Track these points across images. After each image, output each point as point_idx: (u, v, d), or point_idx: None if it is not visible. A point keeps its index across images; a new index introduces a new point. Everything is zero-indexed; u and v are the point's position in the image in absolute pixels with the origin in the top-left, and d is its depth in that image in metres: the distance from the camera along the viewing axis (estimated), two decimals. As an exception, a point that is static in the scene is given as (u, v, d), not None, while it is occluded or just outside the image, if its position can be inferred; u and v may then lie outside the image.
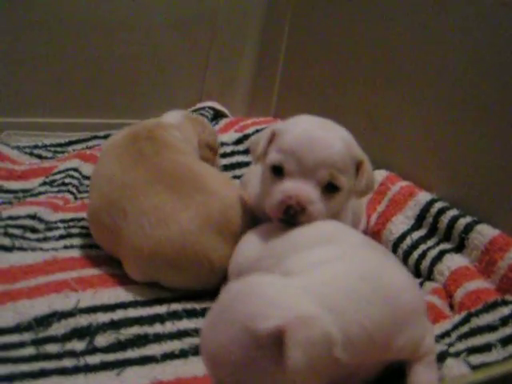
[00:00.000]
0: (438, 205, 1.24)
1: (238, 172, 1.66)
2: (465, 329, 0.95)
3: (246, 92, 2.19)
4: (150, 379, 0.86)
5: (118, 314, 1.00)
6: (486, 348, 0.88)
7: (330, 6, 1.77)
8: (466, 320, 0.97)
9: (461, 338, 0.93)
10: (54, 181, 1.54)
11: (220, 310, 0.70)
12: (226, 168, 1.68)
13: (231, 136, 1.81)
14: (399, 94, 1.46)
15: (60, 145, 1.85)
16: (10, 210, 1.32)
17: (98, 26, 1.89)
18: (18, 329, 0.94)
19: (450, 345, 0.91)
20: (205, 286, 1.09)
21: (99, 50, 1.91)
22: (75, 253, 1.19)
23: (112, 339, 0.93)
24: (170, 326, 0.99)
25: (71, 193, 1.49)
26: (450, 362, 0.84)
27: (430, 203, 1.25)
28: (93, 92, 1.95)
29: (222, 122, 1.98)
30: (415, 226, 1.27)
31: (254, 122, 1.88)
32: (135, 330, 0.97)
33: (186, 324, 1.00)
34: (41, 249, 1.19)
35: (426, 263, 1.19)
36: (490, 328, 0.92)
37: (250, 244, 1.02)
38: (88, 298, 1.03)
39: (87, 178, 1.62)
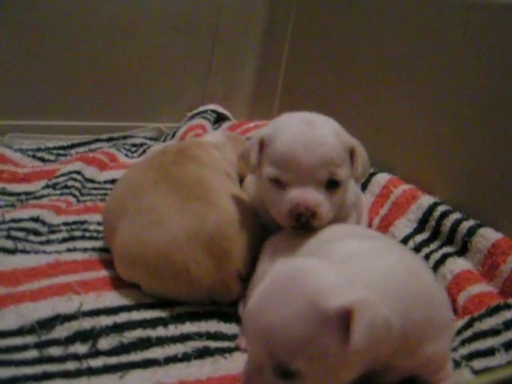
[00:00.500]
0: (441, 208, 1.24)
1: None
2: (468, 333, 0.95)
3: (248, 95, 2.19)
4: (153, 382, 0.85)
5: (121, 317, 1.00)
6: (490, 352, 0.88)
7: (333, 9, 1.77)
8: (469, 324, 0.97)
9: (464, 342, 0.93)
10: (56, 183, 1.54)
11: (278, 287, 0.69)
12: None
13: (234, 139, 1.81)
14: (402, 97, 1.46)
15: (63, 147, 1.86)
16: (13, 212, 1.32)
17: (101, 30, 1.90)
18: (20, 332, 0.93)
19: (454, 350, 0.91)
20: (184, 299, 1.06)
21: (102, 53, 1.92)
22: (78, 256, 1.19)
23: (115, 342, 0.93)
24: (173, 330, 0.98)
25: (74, 196, 1.49)
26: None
27: (433, 206, 1.25)
28: (95, 95, 1.95)
29: (225, 125, 1.98)
30: (418, 230, 1.26)
31: (256, 125, 1.88)
32: (138, 333, 0.96)
33: (188, 327, 0.99)
34: (44, 252, 1.19)
35: (428, 266, 1.19)
36: (493, 332, 0.92)
37: (269, 255, 1.01)
38: (91, 301, 1.03)
39: (90, 180, 1.62)
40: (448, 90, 1.31)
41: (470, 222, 1.17)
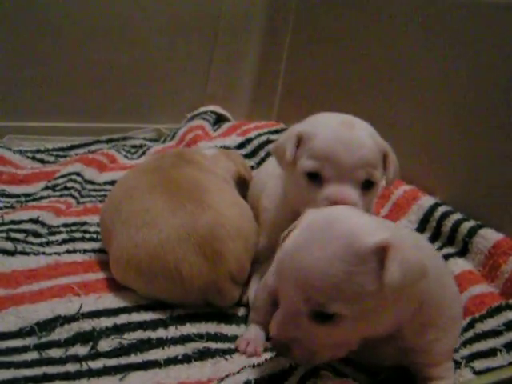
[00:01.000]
0: (442, 209, 1.24)
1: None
2: (469, 334, 0.95)
3: (248, 96, 2.19)
4: (154, 384, 0.85)
5: (122, 319, 0.99)
6: (491, 353, 0.88)
7: (333, 10, 1.77)
8: (470, 325, 0.97)
9: (465, 343, 0.93)
10: (56, 185, 1.54)
11: (313, 231, 0.70)
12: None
13: (234, 140, 1.81)
14: (402, 97, 1.46)
15: (62, 149, 1.85)
16: (13, 214, 1.31)
17: (101, 31, 1.90)
18: (20, 333, 0.93)
19: (455, 351, 0.91)
20: (178, 301, 1.05)
21: (101, 54, 1.92)
22: (78, 257, 1.18)
23: (115, 344, 0.93)
24: (173, 331, 0.98)
25: (73, 197, 1.49)
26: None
27: (434, 207, 1.25)
28: (95, 96, 1.95)
29: (225, 126, 1.98)
30: (419, 230, 1.26)
31: (256, 125, 1.88)
32: (138, 334, 0.96)
33: (189, 329, 0.99)
34: (43, 253, 1.19)
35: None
36: (495, 333, 0.92)
37: None
38: (91, 303, 1.02)
39: (89, 182, 1.62)
40: (448, 90, 1.31)
41: (471, 223, 1.17)
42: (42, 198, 1.47)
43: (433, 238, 1.23)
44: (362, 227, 0.69)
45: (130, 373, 0.87)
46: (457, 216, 1.20)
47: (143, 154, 1.90)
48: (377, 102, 1.55)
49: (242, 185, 1.37)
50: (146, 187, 1.11)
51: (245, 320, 1.05)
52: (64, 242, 1.25)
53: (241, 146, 1.79)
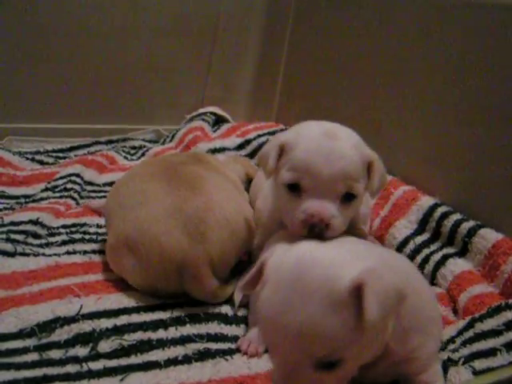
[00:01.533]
0: (441, 209, 1.24)
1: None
2: (469, 334, 0.95)
3: (247, 97, 2.19)
4: (154, 385, 0.85)
5: (122, 320, 0.99)
6: (491, 353, 0.88)
7: (332, 11, 1.77)
8: (470, 325, 0.97)
9: (465, 343, 0.93)
10: (55, 186, 1.54)
11: (287, 285, 0.68)
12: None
13: (233, 141, 1.81)
14: (401, 98, 1.46)
15: (61, 150, 1.86)
16: (12, 215, 1.31)
17: (100, 33, 1.90)
18: (20, 335, 0.93)
19: (455, 350, 0.91)
20: (156, 280, 1.06)
21: (101, 56, 1.92)
22: (78, 258, 1.19)
23: (115, 345, 0.93)
24: (173, 332, 0.98)
25: (73, 198, 1.49)
26: (451, 372, 0.84)
27: (433, 208, 1.25)
28: (94, 98, 1.95)
29: (224, 128, 1.98)
30: (418, 231, 1.26)
31: (255, 127, 1.88)
32: (138, 335, 0.96)
33: (189, 329, 0.99)
34: (43, 254, 1.19)
35: (429, 268, 1.19)
36: (495, 333, 0.92)
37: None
38: (91, 304, 1.02)
39: (89, 183, 1.62)
40: (447, 90, 1.31)
41: (471, 223, 1.17)
42: (41, 199, 1.47)
43: (432, 239, 1.23)
44: (334, 270, 0.68)
45: (131, 374, 0.87)
46: (456, 216, 1.20)
47: (143, 155, 1.90)
48: (376, 102, 1.55)
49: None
50: (147, 174, 1.16)
51: (245, 320, 1.05)
52: (64, 243, 1.25)
53: (240, 146, 1.79)
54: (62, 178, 1.59)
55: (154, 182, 1.12)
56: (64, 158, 1.81)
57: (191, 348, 0.94)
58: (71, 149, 1.87)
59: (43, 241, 1.25)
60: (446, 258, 1.17)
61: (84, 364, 0.88)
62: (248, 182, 1.44)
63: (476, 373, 0.84)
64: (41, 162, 1.75)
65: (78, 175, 1.61)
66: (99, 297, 1.05)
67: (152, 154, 1.88)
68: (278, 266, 0.71)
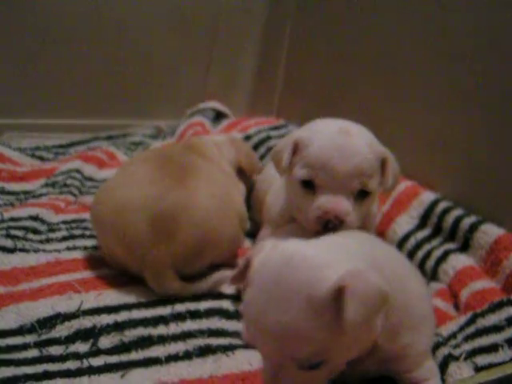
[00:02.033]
0: (443, 204, 1.24)
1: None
2: (471, 329, 0.95)
3: (248, 92, 2.19)
4: (155, 381, 0.85)
5: (122, 316, 0.99)
6: (493, 348, 0.87)
7: (333, 4, 1.77)
8: (471, 321, 0.97)
9: (467, 338, 0.93)
10: (55, 182, 1.54)
11: (269, 286, 0.67)
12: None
13: (233, 136, 1.81)
14: (403, 93, 1.46)
15: (61, 146, 1.85)
16: (12, 211, 1.31)
17: (100, 28, 1.89)
18: (21, 331, 0.93)
19: (457, 346, 0.91)
20: (123, 264, 1.08)
21: (100, 51, 1.91)
22: (78, 254, 1.18)
23: (116, 341, 0.93)
24: (174, 328, 0.98)
25: (73, 194, 1.49)
26: (452, 367, 0.84)
27: (435, 203, 1.25)
28: (94, 93, 1.95)
29: (225, 123, 1.98)
30: (419, 226, 1.26)
31: (256, 122, 1.88)
32: (139, 331, 0.96)
33: (190, 325, 0.99)
34: (43, 250, 1.18)
35: (430, 263, 1.19)
36: (496, 328, 0.92)
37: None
38: (91, 300, 1.02)
39: (89, 179, 1.62)
40: (449, 85, 1.31)
41: (472, 218, 1.16)
42: (41, 195, 1.47)
43: (434, 234, 1.23)
44: (316, 272, 0.66)
45: (131, 370, 0.87)
46: (458, 211, 1.20)
47: (143, 150, 1.90)
48: (377, 97, 1.55)
49: (243, 174, 1.39)
50: (140, 159, 1.17)
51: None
52: (64, 239, 1.25)
53: (241, 142, 1.78)
54: (61, 173, 1.58)
55: (144, 166, 1.13)
56: (64, 153, 1.81)
57: (192, 344, 0.94)
58: (71, 144, 1.87)
59: (43, 237, 1.25)
60: (447, 253, 1.17)
61: (85, 360, 0.88)
62: (240, 170, 1.39)
63: (478, 368, 0.84)
64: (40, 158, 1.75)
65: (77, 171, 1.60)
66: (99, 293, 1.05)
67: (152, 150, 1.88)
68: (264, 265, 0.70)
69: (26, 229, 1.24)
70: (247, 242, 1.31)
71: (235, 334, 0.98)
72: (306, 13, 1.91)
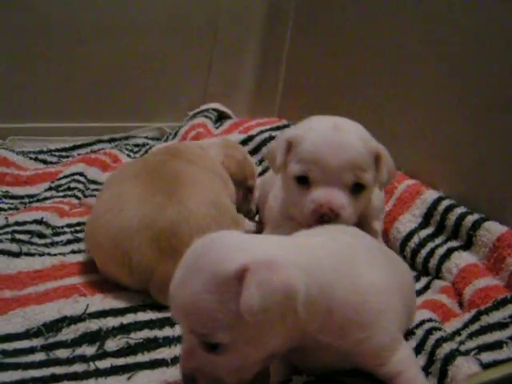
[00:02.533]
0: (446, 202, 1.24)
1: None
2: (475, 327, 0.95)
3: (249, 93, 2.19)
4: (161, 383, 0.85)
5: (128, 318, 1.00)
6: (497, 345, 0.87)
7: (333, 4, 1.76)
8: (476, 318, 0.97)
9: (471, 336, 0.93)
10: (59, 185, 1.54)
11: (187, 264, 0.71)
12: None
13: (236, 137, 1.81)
14: (405, 92, 1.46)
15: (65, 149, 1.86)
16: (17, 215, 1.32)
17: (101, 31, 1.89)
18: (27, 334, 0.94)
19: (461, 343, 0.91)
20: (126, 285, 1.08)
21: (102, 54, 1.92)
22: (83, 257, 1.19)
23: (122, 343, 0.93)
24: (179, 329, 0.98)
25: (77, 197, 1.49)
26: (459, 360, 0.83)
27: (438, 201, 1.25)
28: (96, 96, 1.95)
29: (226, 124, 1.98)
30: (423, 225, 1.26)
31: (258, 122, 1.88)
32: (145, 333, 0.96)
33: (195, 327, 0.99)
34: (48, 254, 1.19)
35: (434, 261, 1.19)
36: (501, 325, 0.92)
37: None
38: (97, 303, 1.03)
39: (92, 182, 1.62)
40: (451, 84, 1.31)
41: (475, 216, 1.17)
42: (45, 198, 1.47)
43: (437, 232, 1.23)
44: (228, 253, 0.69)
45: (138, 372, 0.88)
46: (461, 210, 1.20)
47: (146, 152, 1.89)
48: (379, 96, 1.55)
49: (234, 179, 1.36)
50: (128, 176, 1.16)
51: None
52: (69, 242, 1.25)
53: (243, 143, 1.78)
54: (65, 177, 1.59)
55: (134, 183, 1.11)
56: (67, 156, 1.81)
57: (198, 345, 0.94)
58: (74, 148, 1.87)
59: (48, 240, 1.25)
60: (450, 251, 1.17)
61: (91, 363, 0.89)
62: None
63: (483, 365, 0.84)
64: (44, 162, 1.75)
65: (81, 174, 1.61)
66: (105, 296, 1.06)
67: (155, 152, 1.88)
68: (191, 248, 0.74)
69: (30, 233, 1.25)
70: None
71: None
72: (306, 12, 1.91)
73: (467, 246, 1.16)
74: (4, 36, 1.77)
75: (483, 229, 1.13)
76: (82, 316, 0.98)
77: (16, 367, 0.86)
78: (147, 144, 1.98)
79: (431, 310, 1.00)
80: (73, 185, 1.54)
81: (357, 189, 0.95)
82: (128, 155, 1.86)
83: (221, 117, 2.08)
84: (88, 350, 0.92)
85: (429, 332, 0.91)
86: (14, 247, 1.17)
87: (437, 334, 0.90)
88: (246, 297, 0.64)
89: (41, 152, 1.80)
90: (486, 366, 0.84)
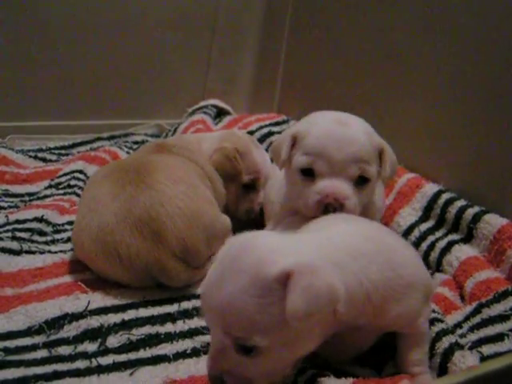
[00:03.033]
0: (446, 196, 1.24)
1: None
2: (476, 319, 0.95)
3: (248, 89, 2.18)
4: (163, 379, 0.86)
5: (129, 315, 1.00)
6: (499, 338, 0.88)
7: (331, 0, 1.76)
8: (477, 311, 0.97)
9: (473, 328, 0.93)
10: (59, 183, 1.54)
11: (225, 264, 0.70)
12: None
13: (235, 133, 1.81)
14: (404, 85, 1.46)
15: (64, 147, 1.85)
16: (17, 213, 1.32)
17: (100, 28, 1.89)
18: (29, 332, 0.94)
19: (462, 336, 0.91)
20: (123, 280, 1.08)
21: (101, 51, 1.91)
22: (84, 255, 1.19)
23: (124, 340, 0.94)
24: (181, 325, 0.99)
25: (77, 195, 1.49)
26: (457, 355, 0.84)
27: (438, 194, 1.25)
28: (95, 94, 1.94)
29: (226, 120, 1.98)
30: (423, 218, 1.27)
31: (257, 118, 1.88)
32: (147, 329, 0.97)
33: (197, 322, 1.00)
34: (49, 251, 1.19)
35: (434, 254, 1.19)
36: (502, 318, 0.92)
37: None
38: (98, 300, 1.03)
39: (92, 179, 1.62)
40: (451, 77, 1.31)
41: (475, 209, 1.17)
42: (45, 196, 1.48)
43: (437, 226, 1.23)
44: (269, 255, 0.68)
45: (140, 368, 0.88)
46: (461, 202, 1.20)
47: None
48: (378, 91, 1.55)
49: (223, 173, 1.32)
50: (101, 177, 1.16)
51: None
52: (69, 239, 1.25)
53: (242, 138, 1.78)
54: (65, 174, 1.59)
55: (103, 185, 1.12)
56: (67, 154, 1.81)
57: (199, 340, 0.95)
58: (73, 145, 1.87)
59: (49, 238, 1.26)
60: (451, 244, 1.17)
61: (93, 359, 0.89)
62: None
63: (484, 358, 0.84)
64: (44, 160, 1.75)
65: (81, 171, 1.61)
66: (106, 292, 1.06)
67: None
68: (224, 251, 0.74)
69: (31, 230, 1.25)
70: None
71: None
72: (304, 8, 1.91)
73: (468, 238, 1.16)
74: (3, 35, 1.76)
75: (483, 221, 1.13)
76: (84, 313, 0.98)
77: (18, 364, 0.86)
78: (147, 141, 1.97)
79: (433, 303, 1.00)
80: (73, 182, 1.54)
81: (361, 181, 0.96)
82: (127, 152, 1.86)
83: (220, 113, 2.08)
84: (90, 346, 0.92)
85: (431, 323, 0.91)
86: (15, 245, 1.17)
87: (438, 326, 0.90)
88: (292, 302, 0.64)
89: (40, 150, 1.80)
90: (487, 359, 0.84)
